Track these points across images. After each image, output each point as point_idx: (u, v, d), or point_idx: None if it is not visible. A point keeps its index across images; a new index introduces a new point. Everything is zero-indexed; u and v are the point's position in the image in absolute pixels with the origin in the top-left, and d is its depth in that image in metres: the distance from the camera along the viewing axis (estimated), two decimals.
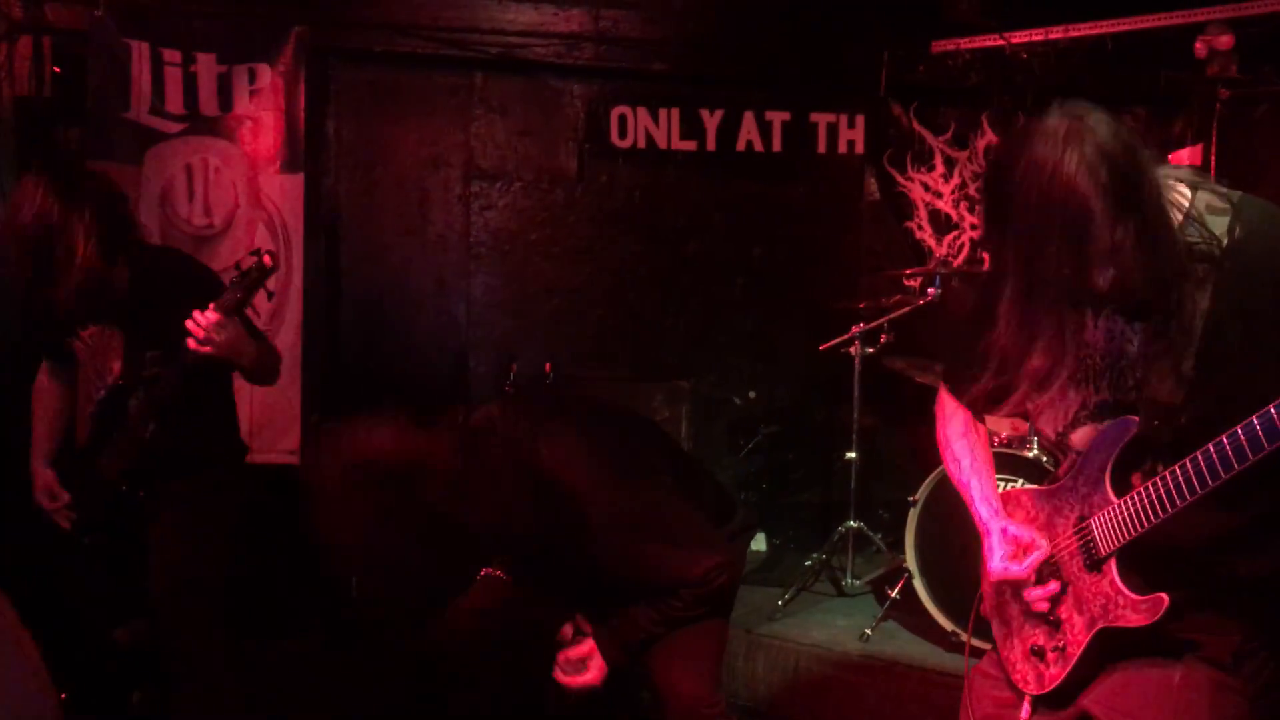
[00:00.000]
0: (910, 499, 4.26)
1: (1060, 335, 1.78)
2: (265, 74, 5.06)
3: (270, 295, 3.03)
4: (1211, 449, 1.60)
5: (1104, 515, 1.78)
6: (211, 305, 2.92)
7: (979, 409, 2.12)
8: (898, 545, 4.40)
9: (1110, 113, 1.66)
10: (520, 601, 3.04)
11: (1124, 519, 1.74)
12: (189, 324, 2.90)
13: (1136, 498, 1.72)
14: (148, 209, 4.98)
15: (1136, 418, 1.75)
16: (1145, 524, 1.70)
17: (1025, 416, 1.98)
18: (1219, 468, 1.59)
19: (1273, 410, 1.52)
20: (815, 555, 4.85)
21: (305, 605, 4.63)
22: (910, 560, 4.24)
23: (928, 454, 4.07)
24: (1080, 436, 1.85)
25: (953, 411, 2.14)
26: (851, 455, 4.75)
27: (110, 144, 4.92)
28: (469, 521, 2.65)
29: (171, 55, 4.98)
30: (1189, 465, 1.63)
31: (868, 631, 4.31)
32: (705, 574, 2.66)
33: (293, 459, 5.19)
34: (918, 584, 4.20)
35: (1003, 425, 4.25)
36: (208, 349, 2.92)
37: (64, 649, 3.44)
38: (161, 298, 3.09)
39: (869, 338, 4.73)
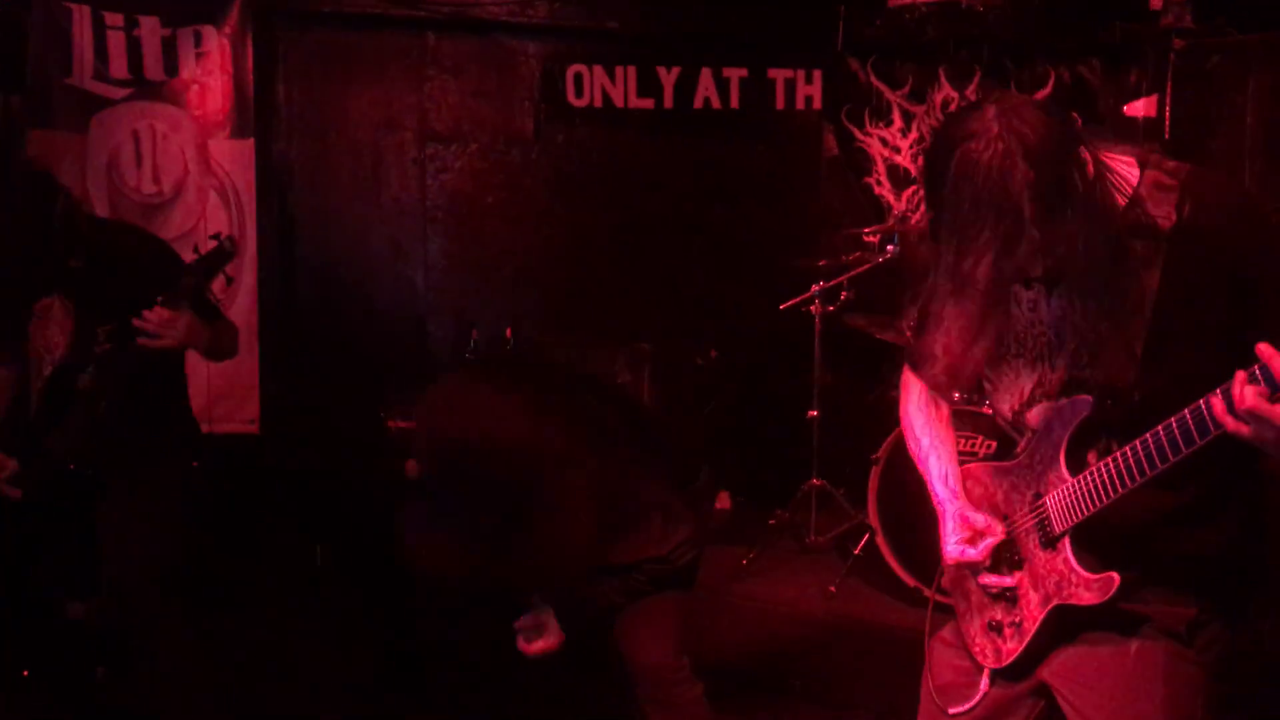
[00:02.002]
0: (872, 457, 4.29)
1: (999, 313, 1.78)
2: (211, 36, 4.96)
3: (229, 280, 3.00)
4: (1161, 430, 1.60)
5: (1059, 493, 1.79)
6: (159, 302, 2.91)
7: (939, 387, 2.12)
8: (860, 501, 4.44)
9: (1044, 106, 1.64)
10: (491, 569, 3.05)
11: (1078, 497, 1.75)
12: (138, 323, 2.90)
13: (1090, 476, 1.73)
14: (94, 177, 4.89)
15: (1091, 397, 1.75)
16: (1099, 503, 1.72)
17: (982, 394, 1.98)
18: (1169, 449, 1.59)
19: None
20: (779, 513, 4.89)
21: (268, 575, 4.62)
22: (873, 518, 4.28)
23: (889, 411, 4.09)
24: (1036, 414, 1.86)
25: (914, 389, 2.15)
26: (813, 413, 4.78)
27: (52, 111, 4.82)
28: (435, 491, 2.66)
29: (114, 18, 4.86)
30: (1139, 446, 1.64)
31: (832, 589, 4.36)
32: (673, 550, 2.68)
33: (253, 428, 5.16)
34: (880, 541, 4.24)
35: None
36: (161, 343, 2.93)
37: (22, 626, 3.43)
38: (114, 273, 3.05)
39: (829, 295, 4.73)
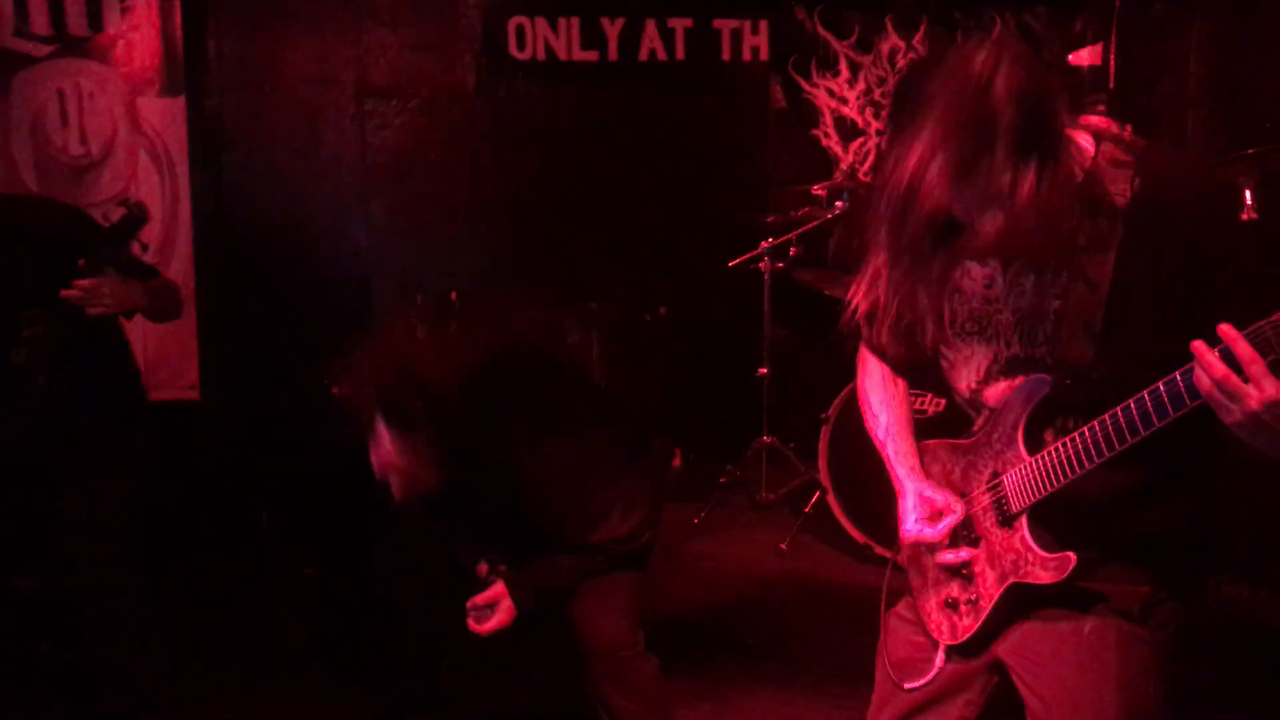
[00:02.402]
0: (822, 415, 4.29)
1: (942, 285, 1.76)
2: None
3: (144, 248, 2.93)
4: (1120, 410, 1.58)
5: (1016, 472, 1.78)
6: (77, 275, 2.83)
7: (896, 366, 2.10)
8: (811, 457, 4.45)
9: (1036, 56, 1.61)
10: (438, 539, 3.01)
11: (1035, 477, 1.74)
12: (65, 294, 2.83)
13: (1048, 456, 1.71)
14: (18, 140, 4.73)
15: (1049, 376, 1.73)
16: (1056, 483, 1.70)
17: (939, 370, 1.96)
18: (1127, 429, 1.57)
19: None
20: (730, 470, 4.89)
21: (214, 541, 4.54)
22: (823, 476, 4.29)
23: (839, 368, 4.10)
24: (994, 392, 1.83)
25: (871, 366, 2.12)
26: (763, 370, 4.77)
27: None
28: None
29: None
30: (1098, 427, 1.62)
31: (783, 546, 4.37)
32: (630, 532, 2.64)
33: (193, 394, 5.05)
34: (831, 499, 4.26)
35: None
36: (96, 310, 2.87)
37: None
38: (29, 251, 2.97)
39: (778, 252, 4.71)
